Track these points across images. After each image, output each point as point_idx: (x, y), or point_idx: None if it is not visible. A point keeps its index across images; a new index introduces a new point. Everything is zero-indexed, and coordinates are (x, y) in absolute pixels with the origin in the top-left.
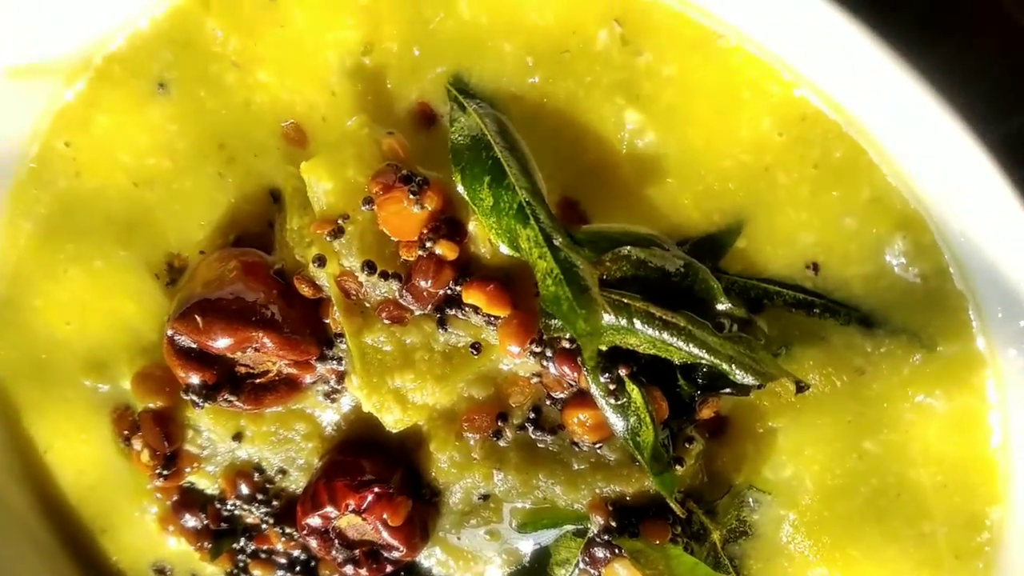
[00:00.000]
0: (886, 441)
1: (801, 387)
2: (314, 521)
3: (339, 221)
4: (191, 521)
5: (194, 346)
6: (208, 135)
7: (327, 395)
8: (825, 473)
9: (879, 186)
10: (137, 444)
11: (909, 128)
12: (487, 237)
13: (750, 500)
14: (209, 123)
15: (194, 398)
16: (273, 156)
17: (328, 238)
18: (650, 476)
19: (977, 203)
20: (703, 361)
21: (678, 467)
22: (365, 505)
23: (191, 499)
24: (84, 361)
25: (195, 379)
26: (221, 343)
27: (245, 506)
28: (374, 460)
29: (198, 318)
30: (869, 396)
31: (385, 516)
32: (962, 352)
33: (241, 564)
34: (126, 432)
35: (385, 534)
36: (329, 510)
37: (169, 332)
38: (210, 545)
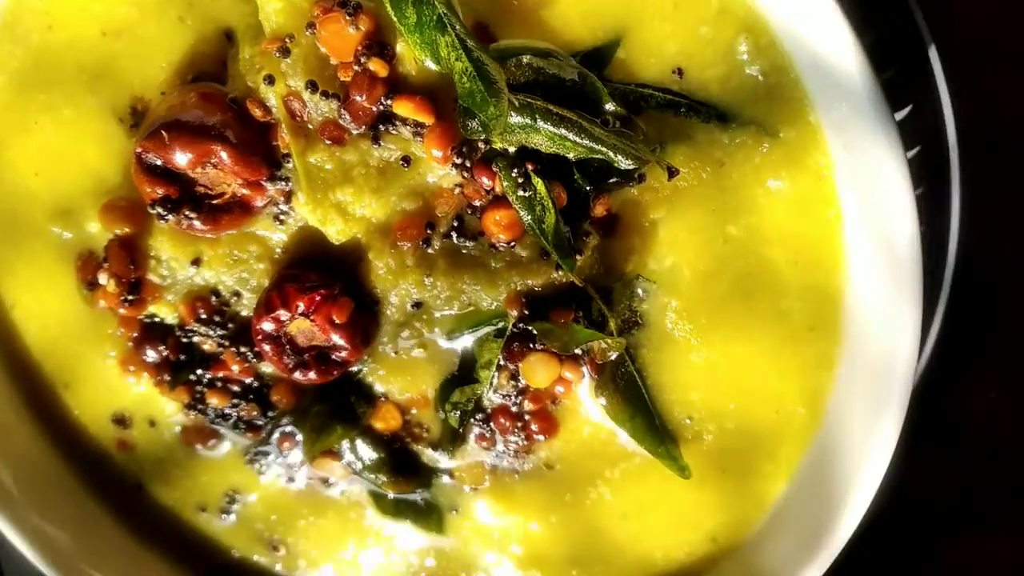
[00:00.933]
0: (746, 224)
1: (672, 171)
2: (267, 326)
3: (286, 40)
4: (151, 354)
5: (159, 163)
6: None
7: (276, 217)
8: (698, 260)
9: None
10: (102, 277)
11: None
12: (412, 57)
13: (639, 290)
14: None
15: (160, 211)
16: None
17: (277, 54)
18: (554, 255)
19: (798, 8)
20: (594, 154)
21: (578, 256)
22: (313, 307)
23: (151, 335)
24: (51, 209)
25: (160, 192)
26: (183, 158)
27: (203, 329)
28: (319, 272)
29: (164, 134)
30: (729, 185)
31: (333, 316)
32: (799, 136)
33: (198, 395)
34: (90, 277)
35: (333, 335)
36: (281, 312)
37: (137, 150)
38: (168, 377)
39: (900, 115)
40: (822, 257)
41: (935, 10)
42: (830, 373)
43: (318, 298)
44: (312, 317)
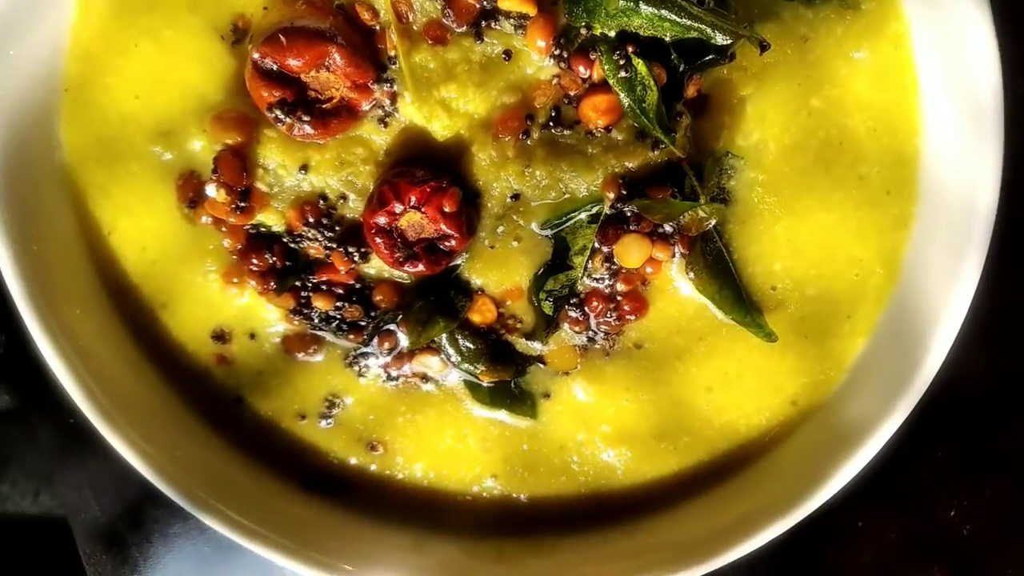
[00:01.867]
0: (827, 96)
1: (764, 46)
2: (381, 219)
3: None
4: (257, 263)
5: (275, 68)
6: None
7: (381, 120)
8: (783, 133)
9: None
10: (211, 189)
11: None
12: None
13: (728, 167)
14: None
15: (277, 113)
16: None
17: None
18: (657, 134)
19: None
20: (691, 32)
21: (673, 135)
22: (424, 198)
23: (257, 242)
24: (153, 131)
25: (277, 95)
26: (299, 61)
27: (311, 233)
28: (426, 168)
29: (282, 38)
30: (812, 59)
31: (443, 205)
32: (879, 6)
33: (303, 300)
34: (192, 195)
35: (442, 224)
36: (395, 205)
37: (254, 56)
38: (275, 284)
39: None
40: (899, 122)
41: None
42: (906, 232)
43: (428, 190)
44: (423, 208)
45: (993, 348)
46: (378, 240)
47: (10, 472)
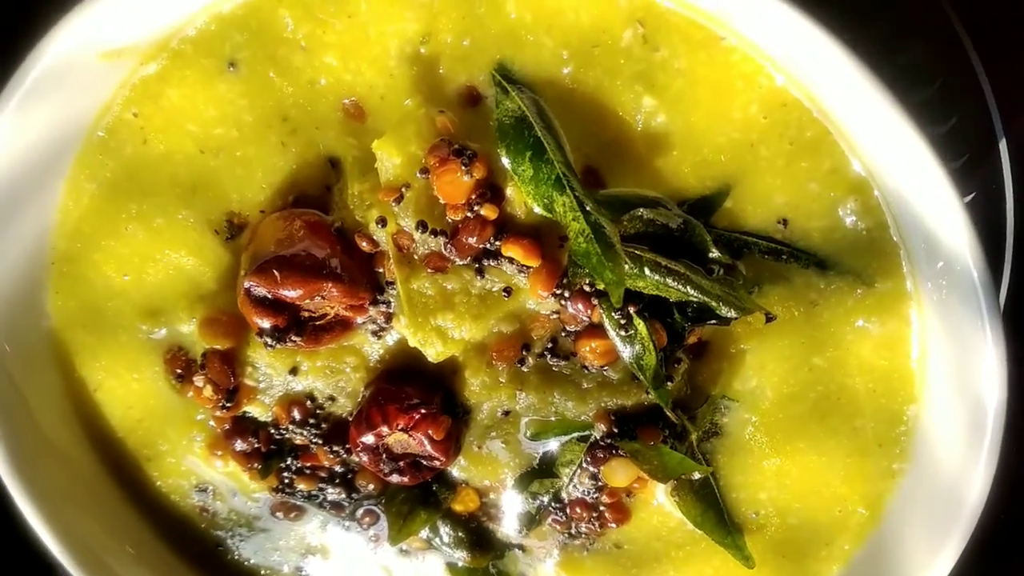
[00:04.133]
0: (831, 357)
1: (770, 318)
2: (368, 439)
3: (402, 189)
4: (242, 446)
5: (268, 296)
6: (273, 109)
7: (375, 333)
8: (782, 384)
9: (837, 159)
10: (199, 381)
11: (861, 116)
12: (521, 200)
13: (721, 407)
14: (275, 99)
15: (267, 340)
16: (334, 128)
17: (392, 204)
18: (650, 391)
19: (909, 174)
20: (695, 299)
21: (669, 383)
22: (412, 424)
23: (243, 426)
24: (141, 309)
25: (268, 324)
26: (294, 293)
27: (297, 429)
28: (416, 386)
29: (276, 272)
30: (820, 323)
31: (430, 432)
32: (893, 288)
33: (287, 480)
34: (179, 370)
35: (428, 447)
36: (382, 429)
37: (246, 284)
38: (259, 466)
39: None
40: (900, 388)
41: (1010, 110)
42: (893, 483)
43: (417, 416)
44: (410, 433)
45: None
46: (363, 456)
47: None
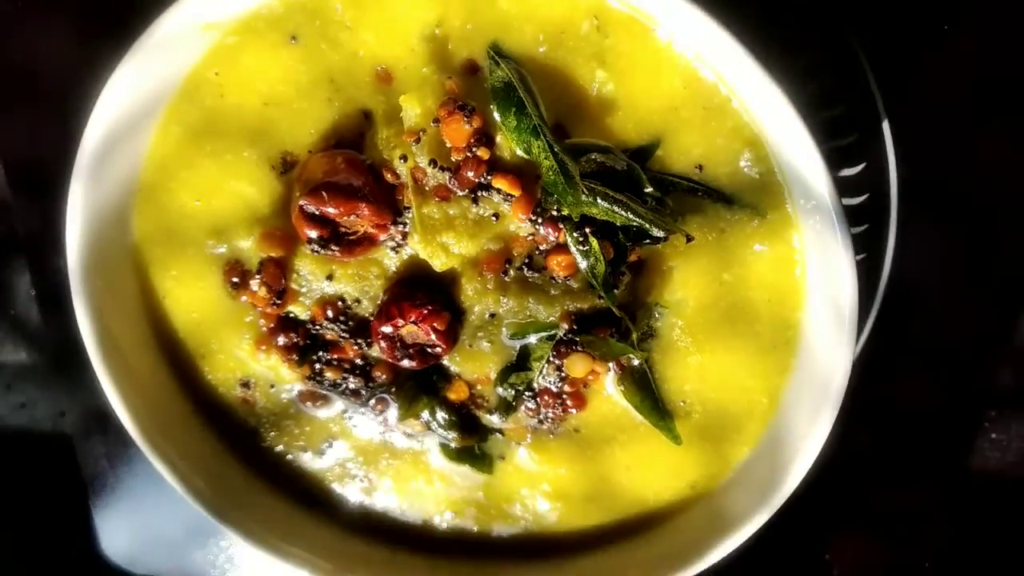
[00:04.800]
0: (736, 274)
1: (689, 239)
2: (387, 329)
3: (420, 133)
4: (283, 340)
5: (316, 212)
6: (323, 73)
7: (393, 248)
8: (700, 295)
9: (737, 120)
10: (255, 285)
11: (752, 89)
12: (508, 146)
13: (656, 313)
14: (325, 65)
15: (314, 247)
16: (368, 89)
17: (412, 144)
18: (602, 295)
19: (786, 133)
20: (634, 222)
21: (616, 291)
22: (421, 318)
23: (285, 324)
24: (208, 228)
25: (315, 234)
26: (336, 211)
27: (329, 325)
28: (424, 290)
29: (324, 194)
30: (727, 246)
31: (435, 324)
32: (780, 218)
33: (318, 370)
34: (235, 279)
35: (433, 337)
36: (398, 320)
37: (301, 203)
38: (297, 357)
39: (856, 169)
40: (788, 299)
41: (894, 93)
42: (786, 377)
43: (425, 311)
44: (419, 324)
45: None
46: (383, 343)
47: None
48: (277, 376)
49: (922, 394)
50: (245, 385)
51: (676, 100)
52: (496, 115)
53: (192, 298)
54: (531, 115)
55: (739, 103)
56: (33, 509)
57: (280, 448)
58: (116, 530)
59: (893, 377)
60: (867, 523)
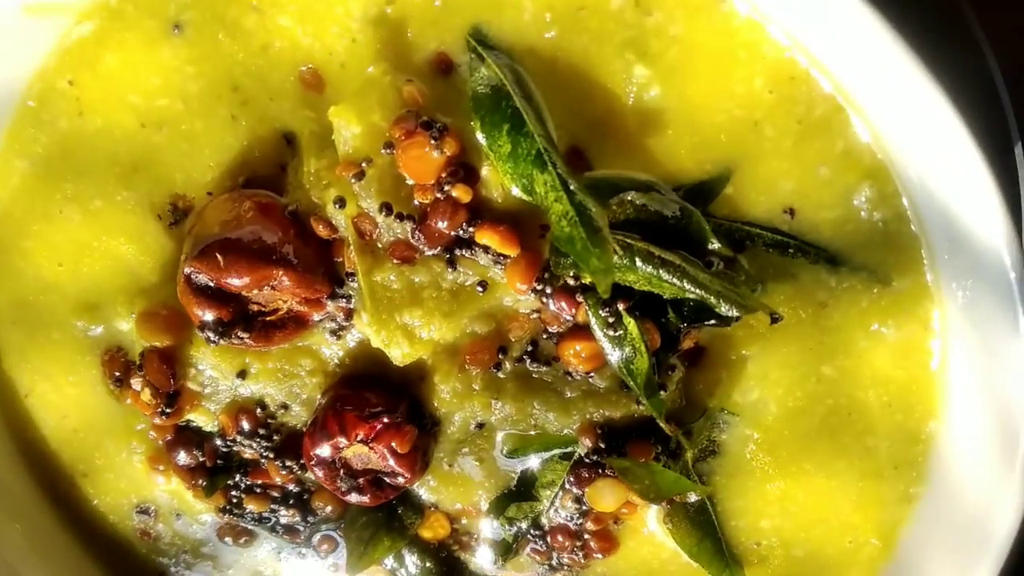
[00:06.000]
0: (841, 366)
1: (775, 318)
2: (323, 451)
3: (362, 164)
4: (185, 459)
5: (211, 284)
6: (223, 78)
7: (333, 332)
8: (787, 396)
9: (852, 140)
10: (136, 384)
11: (882, 91)
12: (498, 182)
13: (720, 422)
14: (224, 66)
15: (209, 335)
16: (289, 100)
17: (352, 180)
18: (641, 400)
19: (934, 159)
20: (692, 296)
21: (662, 392)
22: (374, 435)
23: (186, 437)
24: (76, 303)
25: (210, 316)
26: (240, 281)
27: (246, 441)
28: (379, 393)
29: (219, 257)
30: (830, 326)
31: (393, 444)
32: (913, 286)
33: (235, 500)
34: (117, 373)
35: (391, 461)
36: (339, 440)
37: (187, 270)
38: (204, 483)
39: None
40: (918, 402)
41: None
42: (909, 509)
43: (379, 426)
44: (371, 445)
45: None
46: (318, 471)
47: None
48: (183, 503)
49: None
50: (144, 512)
51: (757, 110)
52: (480, 136)
53: (63, 397)
54: (532, 134)
55: (857, 112)
56: None
57: None
58: None
59: None
60: None
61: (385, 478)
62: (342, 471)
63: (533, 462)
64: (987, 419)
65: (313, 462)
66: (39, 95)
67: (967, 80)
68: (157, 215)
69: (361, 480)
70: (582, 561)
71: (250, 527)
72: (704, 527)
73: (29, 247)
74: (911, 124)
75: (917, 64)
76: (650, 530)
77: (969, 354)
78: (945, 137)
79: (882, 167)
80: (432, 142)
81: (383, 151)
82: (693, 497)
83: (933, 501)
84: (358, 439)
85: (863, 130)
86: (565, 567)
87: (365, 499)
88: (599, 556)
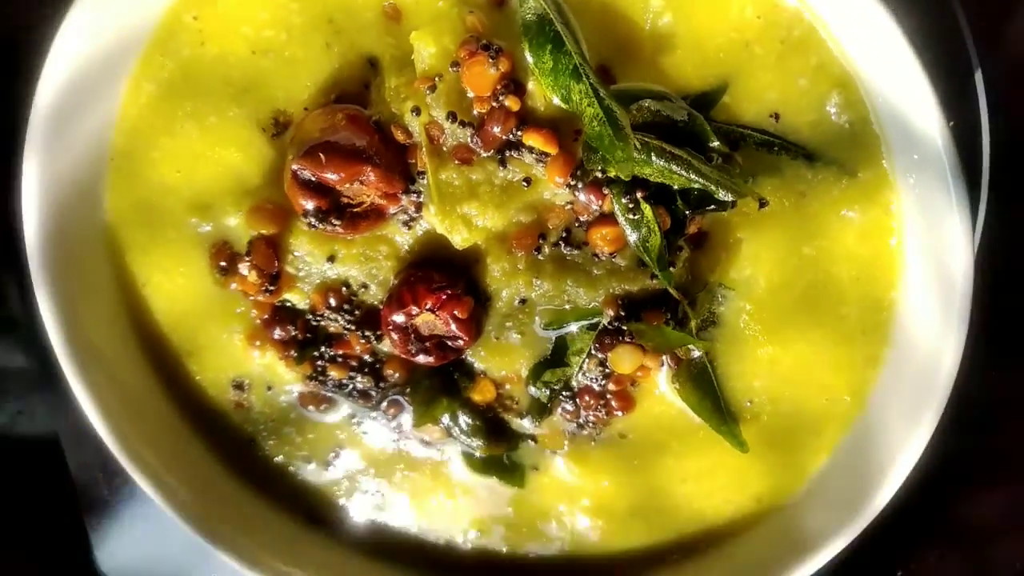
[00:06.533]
0: (818, 246)
1: (763, 203)
2: (399, 318)
3: (435, 79)
4: (280, 334)
5: (312, 179)
6: (320, 13)
7: (406, 223)
8: (774, 272)
9: (824, 56)
10: (244, 268)
11: (847, 16)
12: (542, 93)
13: (719, 295)
14: (322, 3)
15: (312, 220)
16: (374, 30)
17: (427, 92)
18: (656, 274)
19: (889, 69)
20: (696, 185)
21: (672, 268)
22: (439, 304)
23: (281, 315)
24: (191, 203)
25: (312, 205)
26: (336, 176)
27: (332, 315)
28: (442, 272)
29: (321, 155)
30: (808, 213)
31: (455, 312)
32: (874, 177)
33: (320, 368)
34: (223, 263)
35: (453, 327)
36: (412, 308)
37: (294, 167)
38: (296, 353)
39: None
40: (881, 275)
41: (985, 40)
42: (876, 370)
43: (444, 297)
44: (437, 312)
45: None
46: (394, 335)
47: None
48: (274, 376)
49: None
50: (239, 387)
51: (748, 33)
52: (528, 56)
53: (175, 287)
54: (571, 52)
55: (827, 34)
56: (29, 522)
57: (280, 459)
58: (112, 546)
59: (1000, 368)
60: (947, 536)
61: (448, 341)
62: (413, 336)
63: (566, 331)
64: (934, 284)
65: (390, 327)
66: (168, 27)
67: (930, 10)
68: (262, 128)
69: (428, 343)
70: (605, 418)
71: (330, 394)
72: (705, 387)
73: (154, 157)
74: (870, 43)
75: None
76: (661, 391)
77: (919, 231)
78: (895, 56)
79: (848, 78)
80: (490, 60)
81: (451, 69)
82: (696, 353)
83: (895, 361)
84: (427, 308)
85: (833, 48)
86: (591, 424)
87: (431, 359)
88: (619, 414)
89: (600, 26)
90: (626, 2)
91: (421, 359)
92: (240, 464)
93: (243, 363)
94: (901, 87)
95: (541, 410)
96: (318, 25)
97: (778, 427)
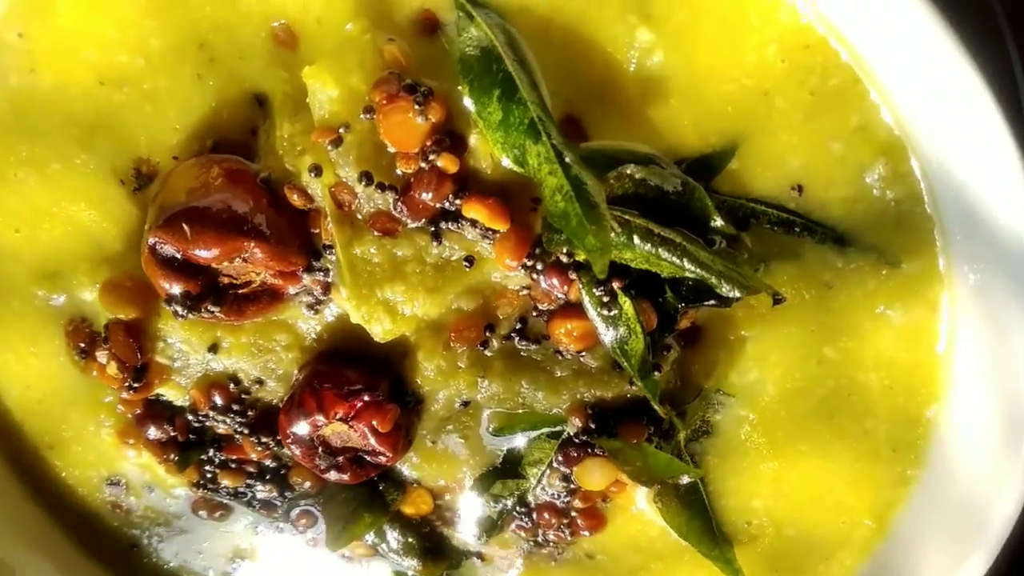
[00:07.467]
0: (844, 348)
1: (777, 299)
2: (301, 429)
3: (340, 130)
4: (155, 434)
5: (178, 256)
6: (188, 33)
7: (310, 306)
8: (786, 377)
9: (867, 114)
10: (102, 357)
11: (906, 62)
12: (488, 152)
13: (715, 403)
14: (190, 20)
15: (177, 309)
16: (260, 59)
17: (329, 147)
18: (635, 381)
19: (957, 136)
20: (692, 275)
21: (657, 373)
22: (354, 413)
23: (156, 411)
24: (35, 271)
25: (177, 289)
26: (208, 253)
27: (219, 417)
28: (359, 370)
29: (185, 227)
30: (834, 307)
31: (374, 423)
32: (923, 268)
33: (209, 474)
34: (82, 344)
35: (372, 440)
36: (317, 418)
37: (151, 241)
38: (176, 457)
39: None
40: (921, 385)
41: None
42: (905, 491)
43: (359, 404)
44: (351, 424)
45: None
46: (295, 448)
47: None
48: (155, 477)
49: None
50: (114, 484)
51: (767, 80)
52: (468, 101)
53: (26, 368)
54: (525, 101)
55: (874, 83)
56: None
57: (173, 565)
58: None
59: None
60: None
61: (366, 456)
62: (320, 449)
63: (520, 441)
64: (992, 405)
65: (290, 440)
66: None
67: (989, 58)
68: (120, 180)
69: (340, 458)
70: (568, 538)
71: (226, 501)
72: (694, 506)
73: None
74: (935, 99)
75: (948, 34)
76: (639, 508)
77: (977, 338)
78: (972, 114)
79: (899, 144)
80: (416, 107)
81: (362, 116)
82: (685, 479)
83: (930, 485)
84: (337, 417)
85: (880, 104)
86: (551, 543)
87: (345, 477)
88: (586, 533)
89: (567, 63)
90: (603, 34)
91: (332, 476)
92: (124, 573)
93: (117, 460)
94: (973, 157)
95: (490, 527)
96: (185, 50)
97: (782, 551)
